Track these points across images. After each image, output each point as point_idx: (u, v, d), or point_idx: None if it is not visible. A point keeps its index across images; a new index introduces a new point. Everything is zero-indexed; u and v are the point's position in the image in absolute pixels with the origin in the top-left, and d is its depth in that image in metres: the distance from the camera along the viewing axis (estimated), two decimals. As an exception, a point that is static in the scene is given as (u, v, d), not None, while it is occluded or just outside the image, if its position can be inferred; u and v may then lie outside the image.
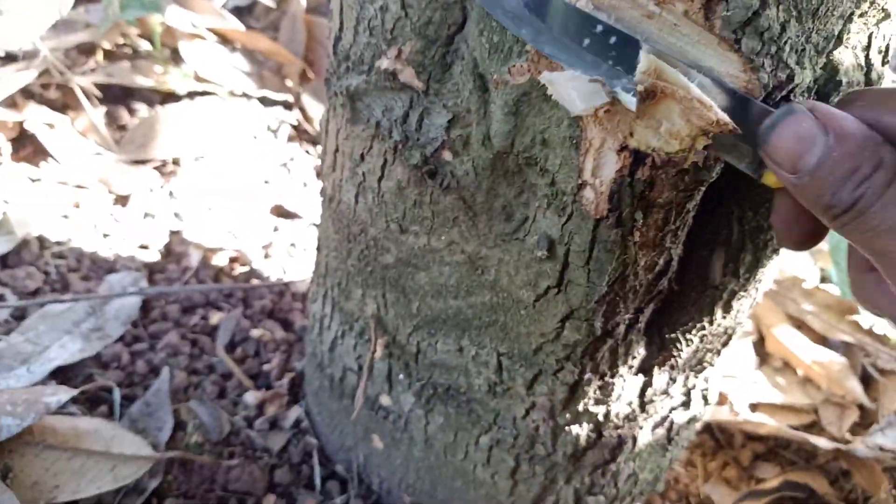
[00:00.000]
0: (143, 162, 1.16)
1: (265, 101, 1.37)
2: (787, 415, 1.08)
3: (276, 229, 1.15)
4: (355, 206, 0.63)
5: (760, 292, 0.65)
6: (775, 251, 0.60)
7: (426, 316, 0.64)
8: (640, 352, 0.62)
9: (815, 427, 1.06)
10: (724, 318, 0.63)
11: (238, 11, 1.63)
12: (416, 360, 0.68)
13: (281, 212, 1.18)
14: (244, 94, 1.35)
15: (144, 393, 0.85)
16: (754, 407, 1.07)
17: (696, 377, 0.68)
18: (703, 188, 0.51)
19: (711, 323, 0.62)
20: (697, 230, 0.59)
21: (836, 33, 0.47)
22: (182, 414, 0.85)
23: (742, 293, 0.62)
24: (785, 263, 1.25)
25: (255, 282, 1.04)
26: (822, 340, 1.14)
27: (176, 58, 1.35)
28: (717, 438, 1.06)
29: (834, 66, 0.49)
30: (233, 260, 1.06)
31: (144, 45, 1.36)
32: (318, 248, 0.75)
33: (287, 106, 1.40)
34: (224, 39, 1.41)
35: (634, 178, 0.48)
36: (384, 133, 0.57)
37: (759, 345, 1.15)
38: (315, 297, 0.78)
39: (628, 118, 0.46)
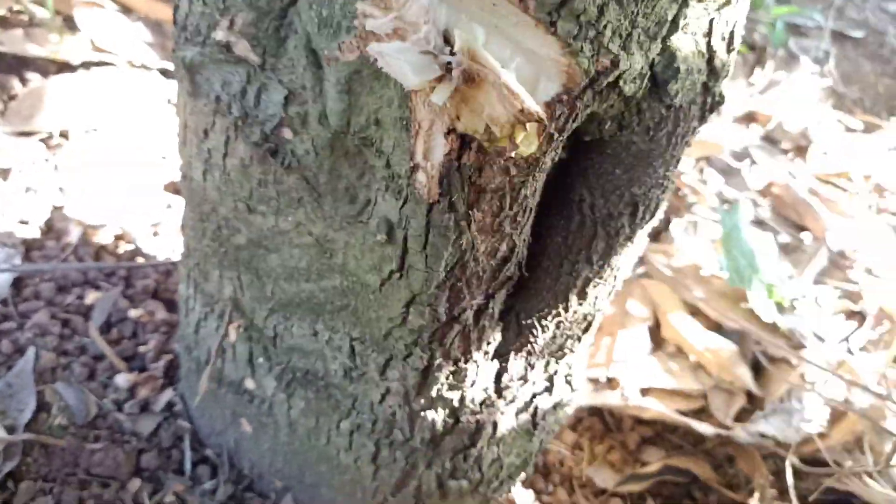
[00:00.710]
0: (28, 134, 1.11)
1: (166, 73, 1.32)
2: (677, 400, 1.09)
3: (168, 206, 1.11)
4: (204, 183, 0.61)
5: (619, 279, 0.65)
6: (629, 238, 0.60)
7: (280, 299, 0.63)
8: (495, 337, 0.62)
9: (703, 412, 1.08)
10: (581, 304, 0.63)
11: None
12: (275, 344, 0.67)
13: (176, 189, 1.14)
14: (143, 66, 1.30)
15: (7, 373, 0.82)
16: (645, 392, 1.08)
17: (558, 363, 0.68)
18: (539, 175, 0.50)
19: (567, 310, 0.62)
20: (546, 217, 0.59)
21: (670, 18, 0.47)
22: (47, 395, 0.81)
23: (597, 280, 0.62)
24: (685, 250, 1.27)
25: (139, 260, 1.00)
26: (717, 327, 1.16)
27: (72, 26, 1.28)
28: (605, 422, 1.07)
29: (671, 52, 0.49)
30: (118, 237, 1.02)
31: (39, 13, 1.30)
32: (182, 227, 0.72)
33: (193, 79, 1.35)
34: (125, 8, 1.35)
35: (461, 163, 0.47)
36: (224, 108, 0.54)
37: (655, 331, 1.17)
38: (182, 279, 0.76)
39: (455, 100, 0.45)
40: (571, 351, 0.68)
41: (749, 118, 1.75)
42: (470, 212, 0.49)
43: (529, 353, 0.64)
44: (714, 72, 0.52)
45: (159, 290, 0.97)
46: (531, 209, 0.53)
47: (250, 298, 0.65)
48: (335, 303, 0.60)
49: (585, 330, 0.67)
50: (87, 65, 1.25)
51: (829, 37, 1.86)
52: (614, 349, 1.09)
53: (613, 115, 0.51)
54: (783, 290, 1.09)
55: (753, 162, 1.59)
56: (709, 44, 0.50)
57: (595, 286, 0.62)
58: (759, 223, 1.41)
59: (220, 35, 0.52)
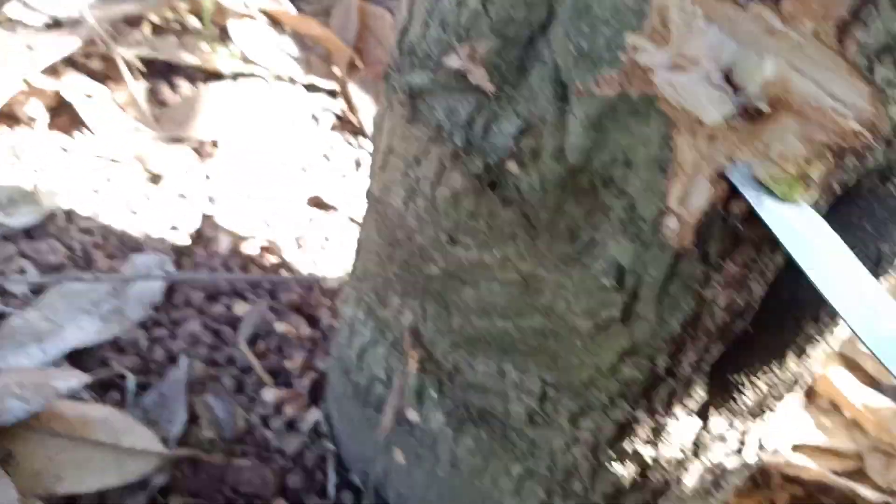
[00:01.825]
0: (180, 140, 1.13)
1: (310, 88, 1.33)
2: (830, 459, 1.02)
3: (310, 220, 1.11)
4: (404, 211, 0.59)
5: (836, 337, 0.59)
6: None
7: (468, 334, 0.60)
8: (700, 393, 0.57)
9: (858, 474, 1.01)
10: (797, 364, 0.58)
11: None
12: (451, 379, 0.64)
13: (317, 203, 1.14)
14: (290, 79, 1.31)
15: (159, 381, 0.82)
16: (796, 448, 1.01)
17: (754, 422, 0.63)
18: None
19: (781, 368, 0.57)
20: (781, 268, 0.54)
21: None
22: (197, 407, 0.81)
23: (818, 339, 0.57)
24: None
25: (284, 274, 1.00)
26: (874, 383, 1.08)
27: (224, 37, 1.31)
28: (754, 477, 1.01)
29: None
30: (264, 249, 1.03)
31: (193, 22, 1.33)
32: (358, 249, 0.71)
33: (332, 94, 1.36)
34: (274, 21, 1.37)
35: (729, 211, 0.43)
36: (445, 137, 0.52)
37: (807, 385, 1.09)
38: (348, 300, 0.74)
39: (732, 141, 0.41)
40: (772, 410, 0.62)
41: None
42: (723, 263, 0.45)
43: (733, 413, 0.59)
44: None
45: (302, 306, 0.96)
46: (780, 263, 0.48)
47: (433, 330, 0.62)
48: (530, 343, 0.57)
49: (790, 389, 0.62)
50: (236, 76, 1.27)
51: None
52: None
53: (881, 167, 0.47)
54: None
55: None
56: None
57: (815, 345, 0.57)
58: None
59: (455, 62, 0.49)
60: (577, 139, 0.46)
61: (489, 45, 0.48)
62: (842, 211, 0.51)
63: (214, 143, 1.15)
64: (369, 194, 0.66)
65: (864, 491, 0.91)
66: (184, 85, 1.25)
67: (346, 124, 1.33)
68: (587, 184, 0.48)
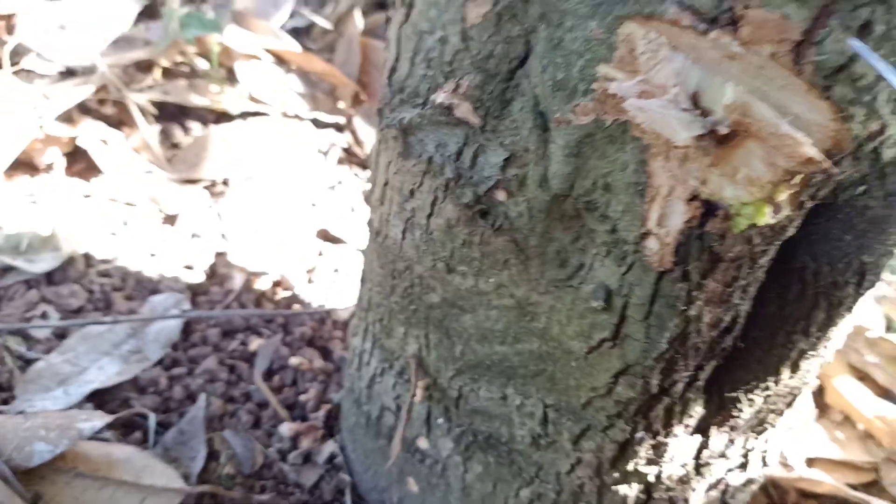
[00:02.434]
0: (193, 181, 1.16)
1: (317, 123, 1.37)
2: (846, 472, 1.01)
3: (320, 254, 1.13)
4: (402, 241, 0.61)
5: (831, 351, 0.60)
6: (850, 309, 0.56)
7: (470, 360, 0.61)
8: (698, 410, 0.58)
9: (874, 486, 1.00)
10: (791, 377, 0.58)
11: (295, 32, 1.64)
12: (457, 406, 0.65)
13: (327, 236, 1.17)
14: (296, 116, 1.35)
15: (180, 419, 0.84)
16: (810, 462, 1.01)
17: (756, 438, 0.63)
18: (780, 242, 0.47)
19: (777, 383, 0.58)
20: (765, 284, 0.55)
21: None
22: (216, 443, 0.83)
23: (812, 352, 0.57)
24: (848, 312, 1.18)
25: (296, 307, 1.02)
26: (886, 394, 1.08)
27: (231, 77, 1.35)
28: (769, 494, 1.00)
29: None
30: (276, 284, 1.05)
31: (202, 64, 1.38)
32: (362, 281, 0.73)
33: (338, 128, 1.40)
34: (280, 60, 1.42)
35: (704, 231, 0.44)
36: (436, 169, 0.54)
37: (819, 396, 1.09)
38: (356, 331, 0.76)
39: (702, 164, 0.43)
40: (772, 426, 0.63)
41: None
42: (703, 281, 0.47)
43: (732, 428, 0.60)
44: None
45: (315, 338, 0.98)
46: (761, 279, 0.50)
47: (437, 358, 0.64)
48: (530, 367, 0.58)
49: (789, 404, 0.62)
50: (244, 115, 1.31)
51: None
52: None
53: (855, 180, 0.48)
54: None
55: None
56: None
57: (809, 359, 0.58)
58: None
59: (441, 97, 0.52)
60: (559, 166, 0.48)
61: (472, 81, 0.50)
62: (822, 225, 0.53)
63: (226, 182, 1.18)
64: (369, 226, 0.68)
65: (879, 503, 0.90)
66: (195, 126, 1.29)
67: (352, 157, 1.37)
68: (572, 209, 0.50)
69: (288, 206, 1.19)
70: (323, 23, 1.56)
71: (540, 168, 0.49)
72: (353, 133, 1.39)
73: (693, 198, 0.44)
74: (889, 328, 1.16)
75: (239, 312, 0.95)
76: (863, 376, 1.08)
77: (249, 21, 1.39)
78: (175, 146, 1.25)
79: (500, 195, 0.52)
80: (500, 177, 0.51)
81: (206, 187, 1.17)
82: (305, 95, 1.39)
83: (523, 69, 0.48)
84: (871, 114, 0.40)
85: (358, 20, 1.50)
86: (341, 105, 1.43)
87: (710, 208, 0.44)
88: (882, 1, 0.36)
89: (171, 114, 1.29)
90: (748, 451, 0.65)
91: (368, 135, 1.38)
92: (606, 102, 0.44)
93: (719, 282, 0.47)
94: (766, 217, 0.43)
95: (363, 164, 1.35)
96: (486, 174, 0.52)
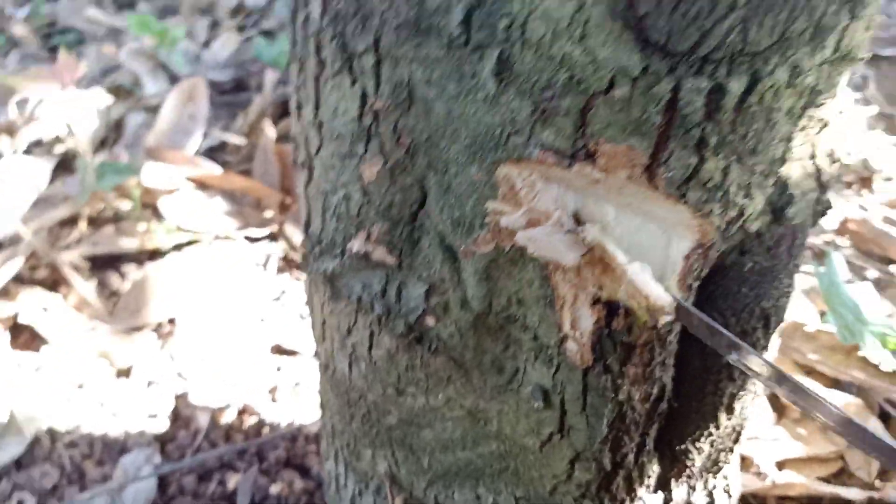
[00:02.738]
0: (139, 328, 1.18)
1: (250, 239, 1.40)
2: (814, 466, 1.06)
3: (279, 369, 1.15)
4: (349, 374, 0.64)
5: (760, 385, 0.65)
6: (765, 348, 0.61)
7: (438, 470, 0.65)
8: (655, 470, 0.62)
9: (843, 474, 1.05)
10: (730, 419, 0.63)
11: (211, 151, 1.67)
12: (437, 510, 0.68)
13: (281, 350, 1.19)
14: (227, 237, 1.38)
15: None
16: (781, 465, 1.06)
17: (715, 477, 0.68)
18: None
19: (717, 427, 0.63)
20: (681, 343, 0.60)
21: (779, 156, 0.49)
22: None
23: (742, 392, 0.62)
24: (783, 310, 1.25)
25: (266, 432, 1.04)
26: (835, 383, 1.14)
27: (157, 213, 1.38)
28: (750, 505, 1.05)
29: (783, 181, 0.51)
30: (241, 412, 1.07)
31: (125, 206, 1.40)
32: (322, 408, 0.76)
33: (272, 237, 1.43)
34: (201, 185, 1.45)
35: (612, 328, 0.49)
36: (366, 307, 0.58)
37: (774, 399, 1.15)
38: (327, 455, 0.78)
39: (594, 273, 0.48)
40: (727, 462, 0.68)
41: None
42: (623, 369, 0.51)
43: (689, 476, 0.64)
44: (823, 186, 0.54)
45: (291, 458, 1.00)
46: (675, 350, 0.55)
47: (407, 472, 0.67)
48: (494, 466, 0.62)
49: (736, 440, 0.67)
50: (177, 247, 1.33)
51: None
52: (740, 428, 1.08)
53: (735, 246, 0.54)
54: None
55: (821, 201, 1.58)
56: (815, 164, 0.52)
57: (741, 398, 0.63)
58: (847, 264, 1.39)
59: (357, 246, 0.56)
60: (474, 290, 0.53)
61: (381, 228, 0.54)
62: (720, 283, 0.58)
63: (172, 321, 1.20)
64: (318, 358, 0.72)
65: (850, 493, 0.95)
66: (130, 270, 1.30)
67: (291, 263, 1.40)
68: (496, 324, 0.55)
69: (237, 328, 1.21)
70: (235, 139, 1.60)
71: (458, 293, 0.54)
72: (287, 240, 1.42)
73: (595, 301, 0.48)
74: (822, 316, 1.23)
75: (210, 454, 0.96)
76: (809, 371, 1.15)
77: (164, 154, 1.42)
78: (114, 294, 1.26)
79: (430, 321, 0.56)
80: (425, 306, 0.56)
81: (153, 330, 1.18)
82: (233, 213, 1.42)
83: (424, 209, 0.53)
84: (727, 204, 0.46)
85: (269, 130, 1.55)
86: (270, 214, 1.46)
87: (612, 308, 0.48)
88: (708, 117, 0.42)
89: (104, 263, 1.30)
90: (711, 490, 0.69)
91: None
92: (501, 233, 0.49)
93: (638, 365, 0.51)
94: (649, 320, 0.48)
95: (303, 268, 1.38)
96: (413, 305, 0.56)
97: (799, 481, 1.00)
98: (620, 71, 0.40)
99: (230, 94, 1.92)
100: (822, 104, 0.47)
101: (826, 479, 1.02)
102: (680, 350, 0.60)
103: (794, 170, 0.52)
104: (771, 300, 0.58)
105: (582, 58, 0.41)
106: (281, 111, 1.84)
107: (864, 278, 1.38)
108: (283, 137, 1.62)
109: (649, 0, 0.38)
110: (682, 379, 0.61)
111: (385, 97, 0.49)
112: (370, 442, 0.68)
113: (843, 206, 1.56)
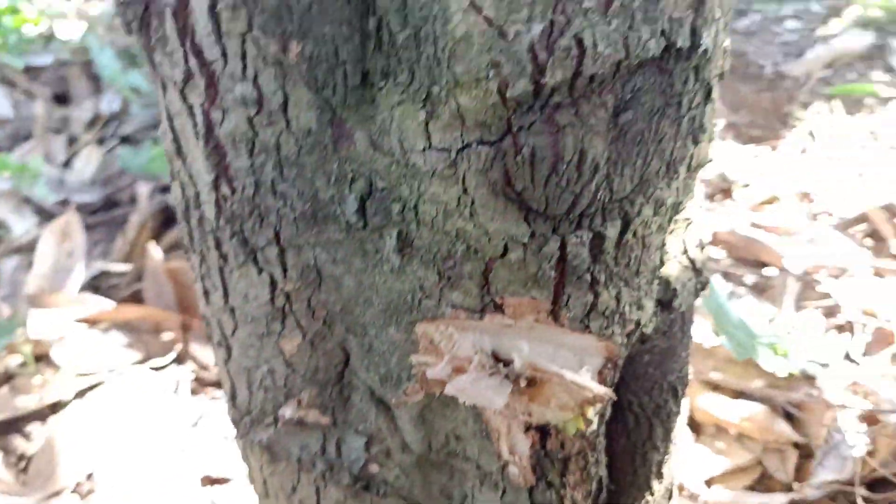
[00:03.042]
0: (56, 493, 1.12)
1: (155, 368, 1.36)
2: (739, 477, 1.15)
3: (212, 502, 1.12)
4: (301, 527, 0.65)
5: (678, 444, 0.71)
6: (679, 413, 0.67)
7: None
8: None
9: (764, 478, 1.14)
10: (660, 482, 0.69)
11: (95, 281, 1.61)
12: None
13: (211, 480, 1.16)
14: (130, 370, 1.33)
15: None
16: (709, 482, 1.13)
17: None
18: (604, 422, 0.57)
19: (652, 493, 0.68)
20: (610, 434, 0.65)
21: (658, 263, 0.55)
22: None
23: (666, 456, 0.68)
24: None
25: (215, 573, 1.01)
26: (739, 394, 1.23)
27: (51, 363, 1.31)
28: (691, 529, 1.11)
29: (665, 280, 0.57)
30: (184, 559, 1.03)
31: (15, 360, 1.32)
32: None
33: (178, 360, 1.39)
34: (93, 323, 1.39)
35: (546, 447, 0.53)
36: (307, 466, 0.59)
37: (690, 419, 1.23)
38: None
39: (522, 402, 0.51)
40: (667, 517, 0.73)
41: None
42: (563, 479, 0.55)
43: (636, 544, 0.69)
44: (699, 271, 0.60)
45: None
46: (604, 443, 0.59)
47: None
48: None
49: (669, 497, 0.72)
50: (80, 394, 1.27)
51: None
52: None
53: (634, 343, 0.59)
54: (784, 342, 1.18)
55: (690, 216, 1.71)
56: (689, 257, 0.59)
57: (666, 462, 0.68)
58: (725, 275, 1.52)
59: (289, 413, 0.57)
60: (412, 435, 0.55)
61: (310, 393, 0.56)
62: (629, 370, 0.63)
63: (90, 476, 1.15)
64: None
65: (774, 500, 1.04)
66: (34, 428, 1.23)
67: (203, 383, 1.36)
68: (438, 459, 0.57)
69: (160, 465, 1.17)
70: (117, 267, 1.55)
71: (397, 439, 0.56)
72: (194, 359, 1.39)
73: (528, 427, 0.52)
74: (718, 334, 1.33)
75: None
76: (716, 386, 1.24)
77: (47, 299, 1.36)
78: (23, 459, 1.19)
79: (374, 468, 0.58)
80: (366, 456, 0.58)
81: (73, 492, 1.13)
82: (132, 345, 1.37)
83: (349, 367, 0.55)
84: (624, 322, 0.51)
85: (153, 249, 1.51)
86: (170, 336, 1.43)
87: (544, 431, 0.52)
88: (594, 261, 0.47)
89: (4, 428, 1.23)
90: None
91: (209, 355, 1.38)
92: (429, 383, 0.52)
93: (575, 472, 0.55)
94: (584, 423, 0.52)
95: (217, 384, 1.36)
96: (354, 457, 0.58)
97: (727, 496, 1.08)
98: (511, 238, 0.45)
99: (102, 213, 1.86)
100: (683, 209, 0.54)
101: (751, 487, 1.10)
102: (607, 441, 0.64)
103: (671, 268, 0.58)
104: (675, 373, 0.64)
105: (475, 231, 0.45)
106: (161, 221, 1.80)
107: (743, 284, 1.51)
108: (169, 248, 1.58)
109: (524, 177, 0.42)
110: (612, 464, 0.66)
111: (294, 280, 0.51)
112: (333, 585, 0.68)
113: (710, 218, 1.69)
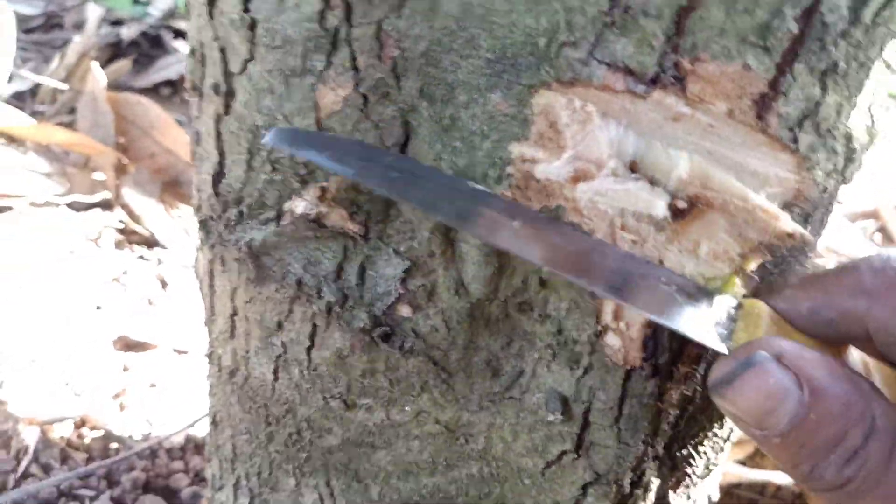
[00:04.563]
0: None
1: (76, 206, 1.14)
2: (733, 451, 1.05)
3: (125, 369, 0.93)
4: (274, 382, 0.47)
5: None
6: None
7: (392, 500, 0.50)
8: (655, 482, 0.52)
9: (757, 454, 1.04)
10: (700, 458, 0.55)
11: (19, 97, 1.37)
12: (383, 551, 0.54)
13: (127, 344, 0.96)
14: (48, 203, 1.11)
15: None
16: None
17: (703, 482, 0.59)
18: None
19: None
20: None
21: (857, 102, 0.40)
22: None
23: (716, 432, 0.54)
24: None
25: (114, 447, 0.83)
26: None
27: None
28: None
29: (849, 135, 0.42)
30: (79, 426, 0.84)
31: None
32: (215, 424, 0.58)
33: (106, 206, 1.17)
34: (10, 139, 1.15)
35: (667, 320, 0.37)
36: (310, 293, 0.42)
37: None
38: (220, 484, 0.60)
39: (657, 242, 0.35)
40: (716, 465, 0.59)
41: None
42: (674, 368, 0.40)
43: (687, 486, 0.55)
44: (871, 140, 0.45)
45: (150, 481, 0.80)
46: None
47: (346, 504, 0.52)
48: (471, 494, 0.48)
49: (728, 438, 0.59)
50: (-19, 217, 1.05)
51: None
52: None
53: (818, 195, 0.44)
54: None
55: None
56: (871, 113, 0.43)
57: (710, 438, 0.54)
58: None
59: (302, 207, 0.39)
60: (477, 269, 0.39)
61: (342, 181, 0.38)
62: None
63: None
64: (214, 361, 0.53)
65: (761, 475, 0.94)
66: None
67: (131, 236, 1.15)
68: (500, 313, 0.41)
69: (68, 318, 0.96)
70: (52, 82, 1.31)
71: (451, 273, 0.39)
72: (126, 207, 1.18)
73: (654, 283, 0.36)
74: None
75: (43, 484, 0.73)
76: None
77: (-44, 98, 1.12)
78: None
79: (405, 311, 0.41)
80: (400, 291, 0.40)
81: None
82: (53, 175, 1.15)
83: (407, 151, 0.38)
84: (830, 154, 0.35)
85: (98, 73, 1.27)
86: (101, 177, 1.20)
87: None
88: (844, 35, 0.31)
89: None
90: (695, 500, 0.60)
91: (146, 206, 1.17)
92: (529, 188, 0.36)
93: (687, 363, 0.40)
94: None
95: (149, 243, 1.15)
96: (382, 290, 0.41)
97: (719, 471, 0.97)
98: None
99: (40, 32, 1.60)
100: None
101: (742, 462, 1.00)
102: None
103: (857, 120, 0.42)
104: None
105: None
106: (109, 55, 1.55)
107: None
108: (114, 83, 1.35)
109: None
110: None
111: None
112: (296, 468, 0.51)
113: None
